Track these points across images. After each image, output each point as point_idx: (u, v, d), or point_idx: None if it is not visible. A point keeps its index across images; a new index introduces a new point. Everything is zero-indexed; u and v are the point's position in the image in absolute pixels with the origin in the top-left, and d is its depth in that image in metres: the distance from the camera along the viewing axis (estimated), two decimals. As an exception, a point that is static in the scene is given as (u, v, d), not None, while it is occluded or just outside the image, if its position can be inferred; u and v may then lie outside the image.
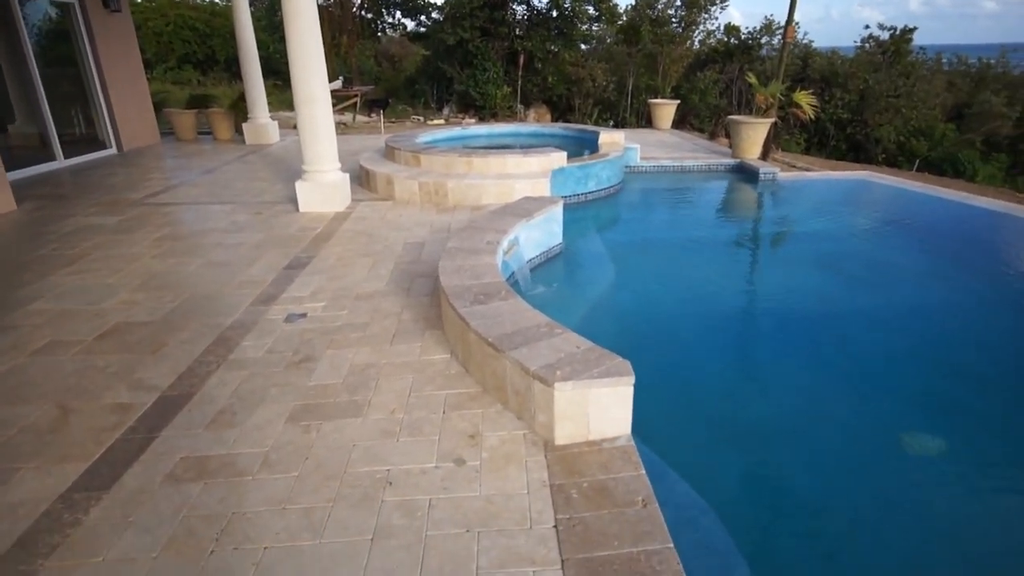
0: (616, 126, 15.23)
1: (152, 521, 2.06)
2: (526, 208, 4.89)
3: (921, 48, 16.99)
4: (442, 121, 14.10)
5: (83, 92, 9.13)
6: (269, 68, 17.92)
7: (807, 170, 8.93)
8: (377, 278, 4.27)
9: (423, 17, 18.02)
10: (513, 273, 4.44)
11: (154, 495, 2.18)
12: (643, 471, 2.25)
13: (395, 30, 20.87)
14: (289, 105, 13.94)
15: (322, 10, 16.11)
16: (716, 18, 18.96)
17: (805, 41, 17.87)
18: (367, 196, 6.68)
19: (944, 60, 18.31)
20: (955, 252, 5.93)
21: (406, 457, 2.37)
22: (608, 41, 18.59)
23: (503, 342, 2.64)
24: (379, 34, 21.56)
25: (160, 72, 19.48)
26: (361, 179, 7.20)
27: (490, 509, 2.10)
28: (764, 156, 8.74)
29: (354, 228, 5.47)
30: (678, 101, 13.14)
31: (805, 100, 9.04)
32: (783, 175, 8.22)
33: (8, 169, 6.91)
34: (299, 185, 5.99)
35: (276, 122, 10.80)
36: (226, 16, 20.71)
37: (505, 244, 4.23)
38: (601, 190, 7.29)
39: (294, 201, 6.16)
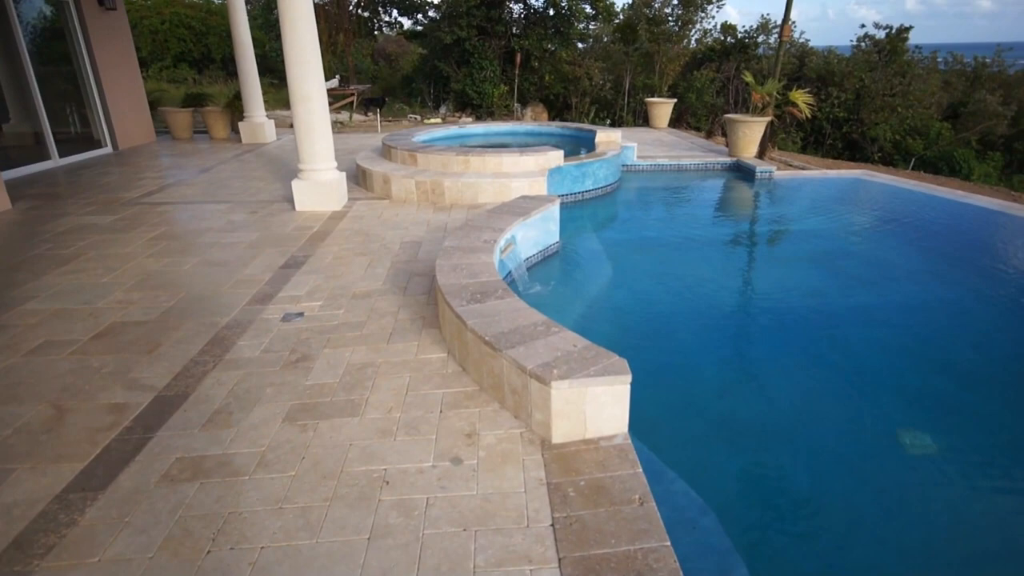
0: (613, 125, 15.23)
1: (148, 521, 2.06)
2: (523, 207, 4.89)
3: (917, 47, 17.03)
4: (439, 120, 14.08)
5: (78, 90, 9.09)
6: (265, 66, 17.87)
7: (803, 169, 8.95)
8: (374, 277, 4.26)
9: (420, 16, 17.98)
10: (510, 272, 4.44)
11: (150, 495, 2.18)
12: (640, 469, 2.25)
13: (392, 28, 20.83)
14: (285, 104, 13.94)
15: (318, 8, 16.08)
16: (713, 17, 18.92)
17: (801, 40, 17.93)
18: (364, 195, 6.67)
19: (940, 59, 18.36)
20: (950, 250, 5.95)
21: (403, 456, 2.37)
22: (605, 40, 18.59)
23: (500, 341, 2.64)
24: (376, 32, 21.52)
25: (156, 70, 19.42)
26: (358, 178, 7.18)
27: (487, 508, 2.10)
28: (761, 155, 8.75)
29: (351, 227, 5.47)
30: (675, 100, 13.16)
31: (801, 99, 9.06)
32: (779, 174, 8.24)
33: (2, 168, 6.90)
34: (295, 184, 5.98)
35: (272, 121, 10.77)
36: (222, 14, 20.67)
37: (502, 243, 4.23)
38: (598, 189, 7.29)
39: (290, 200, 6.14)
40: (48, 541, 1.98)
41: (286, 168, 8.03)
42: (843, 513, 2.66)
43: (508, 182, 6.16)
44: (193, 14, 21.20)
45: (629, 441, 2.42)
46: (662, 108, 12.46)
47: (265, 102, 10.85)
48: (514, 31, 16.05)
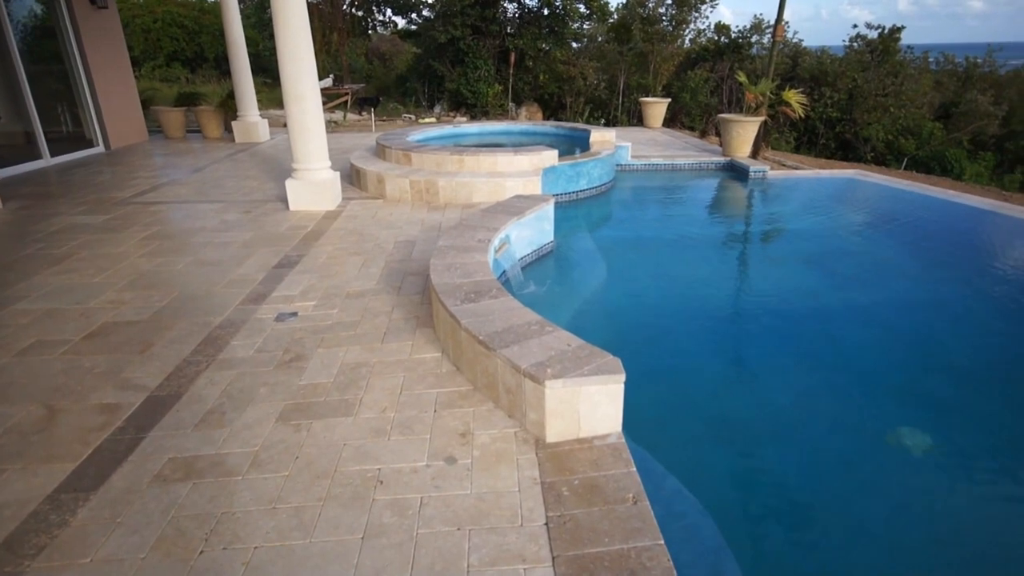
0: (607, 124, 15.26)
1: (140, 521, 2.05)
2: (517, 206, 4.89)
3: (909, 47, 17.13)
4: (433, 119, 14.06)
5: (69, 89, 9.03)
6: (259, 65, 17.82)
7: (797, 168, 8.99)
8: (368, 277, 4.26)
9: (414, 15, 17.96)
10: (504, 271, 4.44)
11: (142, 495, 2.17)
12: (634, 468, 2.26)
13: (386, 28, 20.79)
14: (279, 103, 13.88)
15: (312, 7, 16.04)
16: (707, 17, 18.96)
17: (795, 40, 17.99)
18: (358, 194, 6.66)
19: (931, 59, 18.47)
20: (942, 249, 5.99)
21: (397, 456, 2.37)
22: (599, 39, 18.62)
23: (494, 340, 2.64)
24: (370, 32, 21.48)
25: (148, 69, 19.32)
26: (352, 177, 7.17)
27: (481, 507, 2.10)
28: (754, 154, 8.79)
29: (345, 226, 5.45)
30: (669, 99, 13.19)
31: (795, 99, 9.10)
32: (773, 173, 8.27)
33: (-7, 167, 6.84)
34: (289, 183, 5.96)
35: (266, 120, 10.73)
36: (215, 13, 20.56)
37: (496, 242, 4.23)
38: (592, 188, 7.30)
39: (284, 200, 6.12)
40: (39, 542, 1.97)
41: (280, 167, 8.00)
42: (837, 511, 2.68)
43: (503, 181, 6.16)
44: (186, 13, 21.10)
45: (623, 440, 2.43)
46: (656, 108, 12.49)
47: (258, 101, 10.80)
48: (508, 30, 16.05)
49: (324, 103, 11.77)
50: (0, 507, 2.11)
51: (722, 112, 11.47)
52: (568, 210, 6.66)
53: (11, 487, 2.21)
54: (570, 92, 16.31)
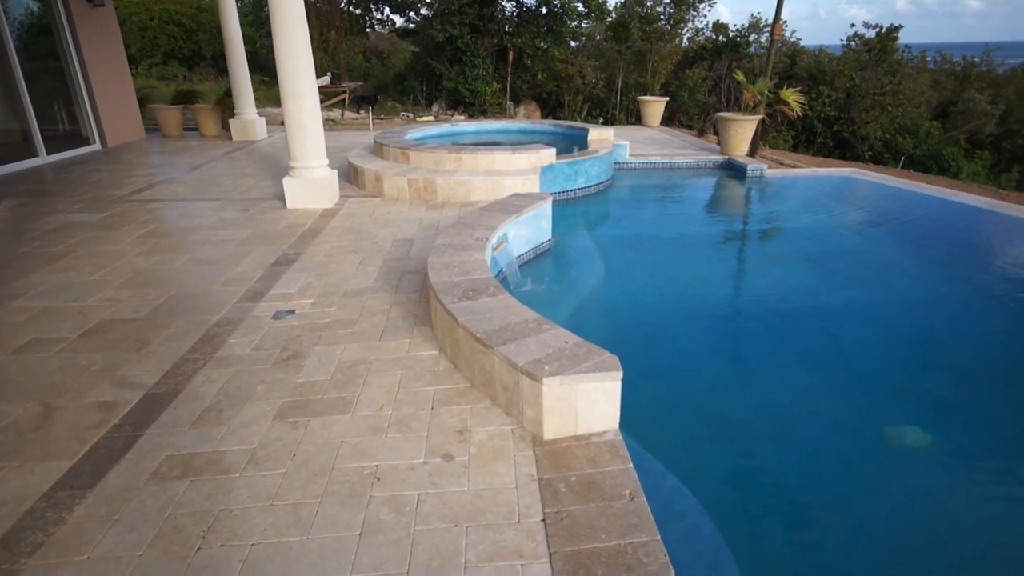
0: (605, 123, 15.26)
1: (137, 519, 2.05)
2: (515, 204, 4.89)
3: (906, 46, 17.18)
4: (431, 118, 14.05)
5: (66, 87, 9.00)
6: (256, 63, 17.78)
7: (794, 167, 9.00)
8: (365, 275, 4.25)
9: (412, 13, 17.95)
10: (502, 269, 4.44)
11: (139, 493, 2.17)
12: (631, 465, 2.26)
13: (384, 26, 20.76)
14: (276, 101, 13.83)
15: (310, 5, 16.00)
16: (705, 16, 19.02)
17: (792, 39, 18.02)
18: (356, 193, 6.65)
19: (929, 58, 18.52)
20: (940, 248, 6.00)
21: (394, 453, 2.37)
22: (597, 38, 18.61)
23: (491, 338, 2.64)
24: (367, 30, 21.45)
25: (145, 67, 19.25)
26: (349, 176, 7.16)
27: (478, 504, 2.10)
28: (752, 153, 8.80)
29: (342, 225, 5.45)
30: (667, 98, 13.19)
31: (792, 97, 9.11)
32: (770, 172, 8.28)
33: (-11, 165, 6.82)
34: (287, 182, 5.95)
35: (263, 118, 10.71)
36: (212, 11, 20.49)
37: (494, 240, 4.23)
38: (590, 186, 7.30)
39: (281, 198, 6.11)
40: (36, 539, 1.96)
41: (277, 166, 7.99)
42: (837, 511, 2.68)
43: (500, 180, 6.16)
44: (183, 11, 21.03)
45: (620, 437, 2.43)
46: (654, 106, 12.49)
47: (256, 99, 10.78)
48: (507, 29, 16.04)
49: (322, 101, 11.74)
50: (-4, 504, 2.11)
51: (720, 111, 11.48)
52: (566, 208, 6.66)
53: (8, 485, 2.21)
54: (568, 91, 16.31)
